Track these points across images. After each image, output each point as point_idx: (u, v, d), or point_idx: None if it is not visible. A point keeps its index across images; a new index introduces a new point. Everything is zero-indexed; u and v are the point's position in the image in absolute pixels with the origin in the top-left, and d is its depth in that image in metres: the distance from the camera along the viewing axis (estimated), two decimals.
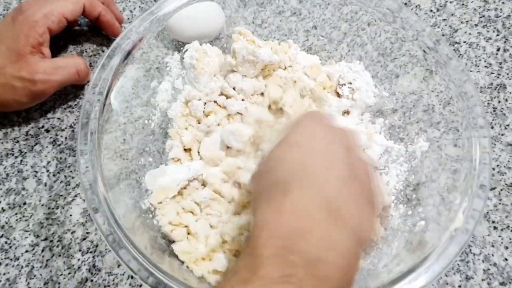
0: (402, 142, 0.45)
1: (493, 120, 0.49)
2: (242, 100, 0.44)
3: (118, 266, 0.42)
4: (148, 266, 0.32)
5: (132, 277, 0.42)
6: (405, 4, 0.56)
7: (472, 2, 0.58)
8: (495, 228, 0.44)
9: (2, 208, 0.45)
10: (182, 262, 0.38)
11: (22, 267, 0.42)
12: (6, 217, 0.45)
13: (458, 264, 0.42)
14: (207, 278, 0.37)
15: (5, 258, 0.43)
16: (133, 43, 0.40)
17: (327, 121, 0.33)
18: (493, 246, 0.44)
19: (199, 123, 0.45)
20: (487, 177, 0.35)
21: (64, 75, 0.46)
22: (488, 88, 0.52)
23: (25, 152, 0.48)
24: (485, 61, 0.54)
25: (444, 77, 0.41)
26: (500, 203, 0.46)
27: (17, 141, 0.48)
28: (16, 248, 0.43)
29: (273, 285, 0.23)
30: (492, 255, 0.43)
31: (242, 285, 0.24)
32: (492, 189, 0.46)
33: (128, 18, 0.56)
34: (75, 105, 0.50)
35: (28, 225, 0.44)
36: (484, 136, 0.37)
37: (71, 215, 0.45)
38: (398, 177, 0.44)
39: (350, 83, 0.46)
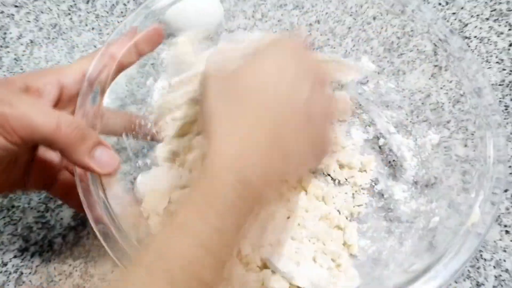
0: (410, 135, 0.45)
1: (505, 119, 0.49)
2: None
3: (112, 271, 0.42)
4: None
5: None
6: None
7: None
8: (507, 232, 0.44)
9: None
10: None
11: (10, 273, 0.42)
12: None
13: (468, 270, 0.42)
14: None
15: None
16: (128, 39, 0.39)
17: (304, 51, 0.35)
18: (505, 251, 0.43)
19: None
20: (503, 174, 0.35)
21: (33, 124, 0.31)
22: (499, 85, 0.52)
23: None
24: (496, 57, 0.53)
25: (456, 72, 0.40)
26: None
27: None
28: (4, 253, 0.43)
29: (212, 213, 0.27)
30: (504, 260, 0.43)
31: (191, 210, 0.27)
32: (505, 191, 0.45)
33: (122, 12, 0.57)
34: None
35: (16, 229, 0.44)
36: (499, 135, 0.37)
37: (62, 219, 0.44)
38: (408, 172, 0.44)
39: None
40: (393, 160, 0.45)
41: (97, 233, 0.32)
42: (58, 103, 0.36)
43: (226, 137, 0.29)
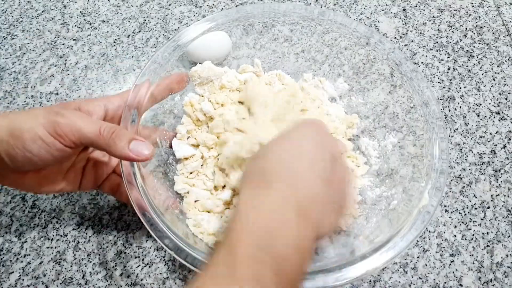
0: (375, 138, 0.45)
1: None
2: None
3: (146, 241, 0.42)
4: (175, 240, 0.32)
5: (157, 249, 0.41)
6: None
7: (428, 31, 0.57)
8: (446, 210, 0.44)
9: (54, 195, 0.45)
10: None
11: (69, 241, 0.42)
12: (57, 202, 0.44)
13: (416, 240, 0.41)
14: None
15: (56, 235, 0.42)
16: (160, 65, 0.40)
17: (324, 130, 0.31)
18: (444, 225, 0.43)
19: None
20: (446, 167, 0.36)
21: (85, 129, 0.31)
22: (440, 99, 0.51)
23: None
24: (438, 78, 0.53)
25: (409, 89, 0.40)
26: (450, 191, 0.45)
27: None
28: (65, 226, 0.43)
29: (246, 285, 0.22)
30: (444, 232, 0.43)
31: (222, 284, 0.22)
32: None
33: (154, 44, 0.56)
34: None
35: (74, 208, 0.44)
36: (443, 137, 0.37)
37: (109, 201, 0.44)
38: (373, 166, 0.44)
39: None
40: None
41: (137, 211, 0.33)
42: None
43: (250, 213, 0.25)
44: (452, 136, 0.49)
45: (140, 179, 0.34)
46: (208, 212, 0.39)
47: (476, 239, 0.42)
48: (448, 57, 0.55)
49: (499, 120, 0.50)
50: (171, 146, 0.42)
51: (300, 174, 0.27)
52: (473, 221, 0.43)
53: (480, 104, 0.51)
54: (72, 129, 0.30)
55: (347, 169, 0.31)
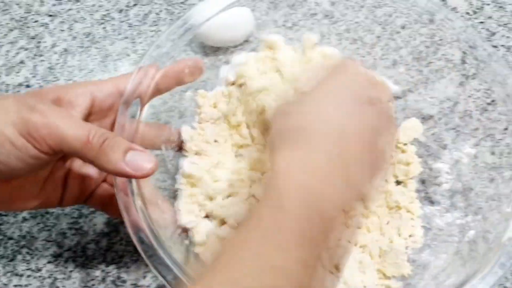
0: (445, 149, 0.43)
1: None
2: None
3: (144, 277, 0.40)
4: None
5: None
6: None
7: (510, 4, 0.55)
8: None
9: (23, 217, 0.43)
10: None
11: (44, 278, 0.40)
12: (28, 227, 0.43)
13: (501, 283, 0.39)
14: None
15: (26, 269, 0.40)
16: (165, 52, 0.38)
17: (362, 72, 0.32)
18: None
19: None
20: None
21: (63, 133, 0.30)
22: None
23: None
24: None
25: (486, 79, 0.39)
26: None
27: None
28: (38, 258, 0.41)
29: (292, 243, 0.24)
30: None
31: (266, 238, 0.24)
32: None
33: (154, 21, 0.55)
34: None
35: (50, 235, 0.42)
36: None
37: (95, 225, 0.42)
38: (443, 185, 0.42)
39: None
40: None
41: (133, 239, 0.31)
42: (90, 115, 0.35)
43: (294, 170, 0.27)
44: None
45: (140, 201, 0.32)
46: None
47: None
48: None
49: None
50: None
51: (341, 131, 0.29)
52: None
53: None
54: (51, 132, 0.29)
55: (392, 120, 0.33)
